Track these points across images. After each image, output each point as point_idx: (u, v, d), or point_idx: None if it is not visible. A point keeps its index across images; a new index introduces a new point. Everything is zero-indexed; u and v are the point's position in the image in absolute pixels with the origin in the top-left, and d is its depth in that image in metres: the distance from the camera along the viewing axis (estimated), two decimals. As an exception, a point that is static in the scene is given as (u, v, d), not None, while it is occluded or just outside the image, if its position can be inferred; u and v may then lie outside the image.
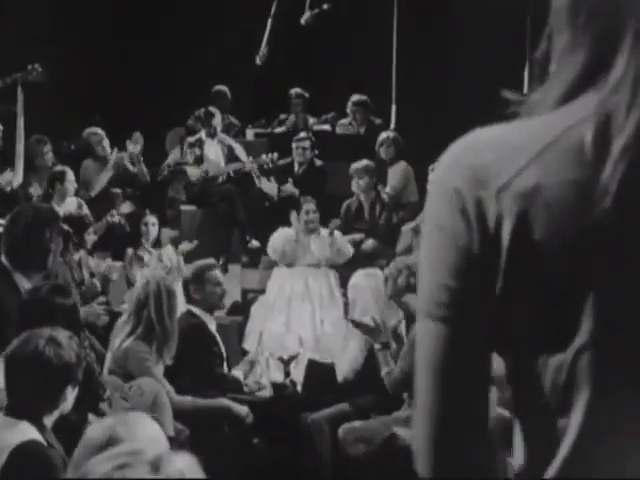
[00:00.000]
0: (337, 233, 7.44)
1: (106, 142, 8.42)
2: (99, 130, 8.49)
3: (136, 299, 5.26)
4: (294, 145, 8.63)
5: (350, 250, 7.36)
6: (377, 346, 5.28)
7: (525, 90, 1.12)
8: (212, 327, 5.67)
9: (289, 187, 8.50)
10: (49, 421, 3.06)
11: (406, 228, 7.12)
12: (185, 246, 7.49)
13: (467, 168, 1.04)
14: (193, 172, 8.45)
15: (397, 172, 8.48)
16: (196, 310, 5.64)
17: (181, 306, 5.82)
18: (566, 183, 0.99)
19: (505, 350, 1.06)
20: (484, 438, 1.06)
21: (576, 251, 0.99)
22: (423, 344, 1.07)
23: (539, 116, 1.05)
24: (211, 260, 5.96)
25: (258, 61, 9.60)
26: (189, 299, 5.73)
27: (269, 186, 8.49)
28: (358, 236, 7.76)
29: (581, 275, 0.99)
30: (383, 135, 8.53)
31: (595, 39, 1.03)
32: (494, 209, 1.01)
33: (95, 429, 2.26)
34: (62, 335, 3.15)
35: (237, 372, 5.79)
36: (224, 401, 5.40)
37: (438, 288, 1.05)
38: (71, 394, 3.13)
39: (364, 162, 7.92)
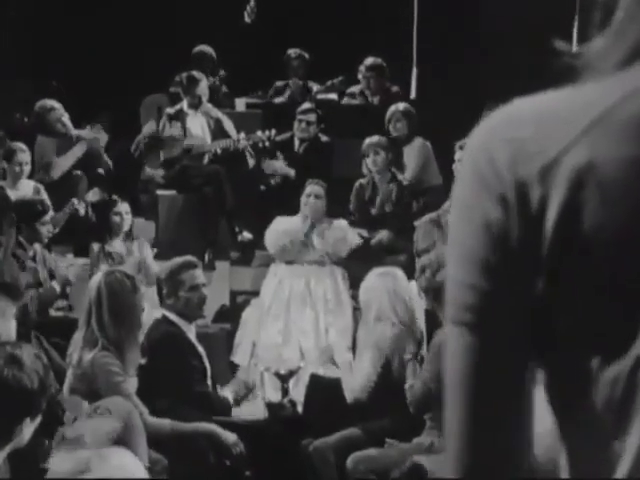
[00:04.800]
0: (336, 220, 7.42)
1: (66, 117, 8.30)
2: (55, 104, 8.31)
3: (87, 302, 5.25)
4: (297, 118, 8.61)
5: (353, 239, 7.34)
6: (407, 355, 5.32)
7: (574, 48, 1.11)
8: (191, 336, 5.67)
9: (275, 164, 8.46)
10: (1, 457, 3.03)
11: (423, 221, 7.05)
12: None
13: (505, 144, 1.04)
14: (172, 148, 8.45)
15: (413, 152, 8.51)
16: (172, 316, 5.64)
17: (155, 311, 5.81)
18: (626, 161, 0.99)
19: (546, 360, 1.06)
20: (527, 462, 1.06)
21: (635, 240, 0.98)
22: (451, 355, 1.07)
23: (590, 82, 1.04)
24: (188, 258, 5.88)
25: (247, 18, 9.57)
26: (162, 303, 5.73)
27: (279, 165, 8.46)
28: (365, 234, 7.72)
29: None
30: (392, 108, 8.63)
31: None
32: (538, 191, 1.01)
33: (61, 462, 2.23)
34: (27, 354, 3.11)
35: (226, 392, 5.79)
36: (208, 425, 5.41)
37: (466, 289, 1.05)
38: (28, 427, 3.08)
39: (380, 137, 8.03)
